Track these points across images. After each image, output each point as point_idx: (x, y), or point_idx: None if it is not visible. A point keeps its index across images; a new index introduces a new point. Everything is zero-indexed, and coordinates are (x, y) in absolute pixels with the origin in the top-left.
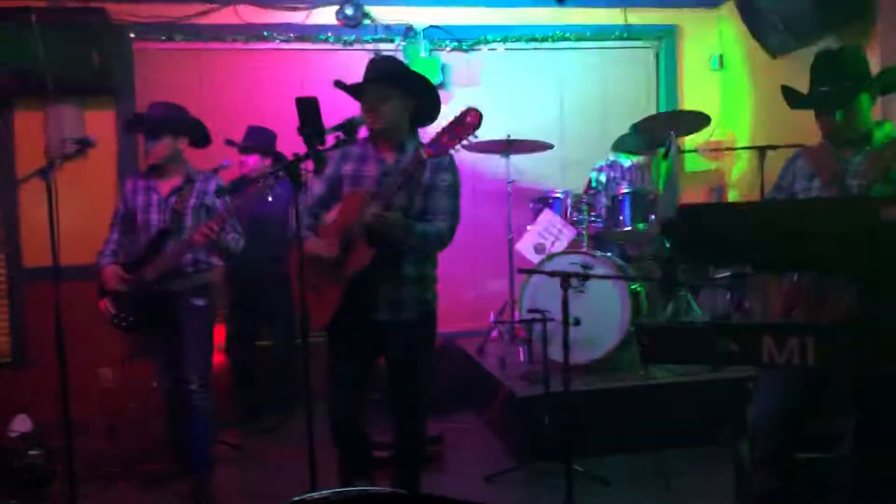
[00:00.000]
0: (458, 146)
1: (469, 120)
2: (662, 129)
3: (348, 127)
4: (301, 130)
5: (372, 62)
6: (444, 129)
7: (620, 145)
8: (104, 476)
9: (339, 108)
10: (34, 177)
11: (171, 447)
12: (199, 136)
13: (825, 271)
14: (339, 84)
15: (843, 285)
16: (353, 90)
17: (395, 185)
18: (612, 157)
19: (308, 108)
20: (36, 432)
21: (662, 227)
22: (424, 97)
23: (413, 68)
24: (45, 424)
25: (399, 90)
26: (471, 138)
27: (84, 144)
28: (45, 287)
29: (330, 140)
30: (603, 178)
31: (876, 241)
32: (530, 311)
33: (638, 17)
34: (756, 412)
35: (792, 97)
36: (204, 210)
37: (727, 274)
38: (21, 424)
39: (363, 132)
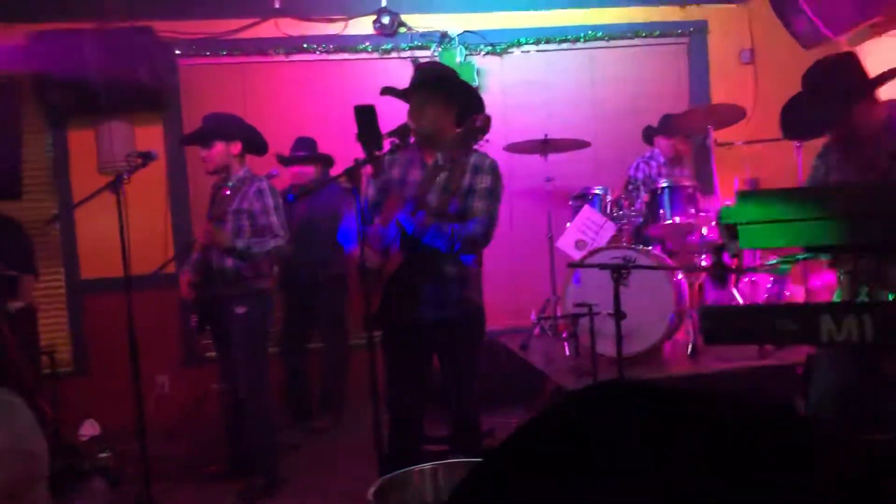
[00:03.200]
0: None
1: (478, 124)
2: (698, 123)
3: (403, 132)
4: (360, 137)
5: (419, 68)
6: (456, 134)
7: (652, 133)
8: (166, 478)
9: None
10: (105, 191)
11: (226, 448)
12: (253, 141)
13: (883, 252)
14: (388, 90)
15: None
16: (402, 94)
17: (424, 190)
18: (647, 154)
19: (365, 116)
20: (103, 436)
21: (718, 214)
22: (468, 102)
23: None
24: (108, 429)
25: (443, 95)
26: (482, 141)
27: (147, 159)
28: (102, 298)
29: (386, 145)
30: (640, 173)
31: None
32: (577, 305)
33: (668, 13)
34: (817, 392)
35: (789, 126)
36: (245, 215)
37: (773, 260)
38: (90, 429)
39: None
